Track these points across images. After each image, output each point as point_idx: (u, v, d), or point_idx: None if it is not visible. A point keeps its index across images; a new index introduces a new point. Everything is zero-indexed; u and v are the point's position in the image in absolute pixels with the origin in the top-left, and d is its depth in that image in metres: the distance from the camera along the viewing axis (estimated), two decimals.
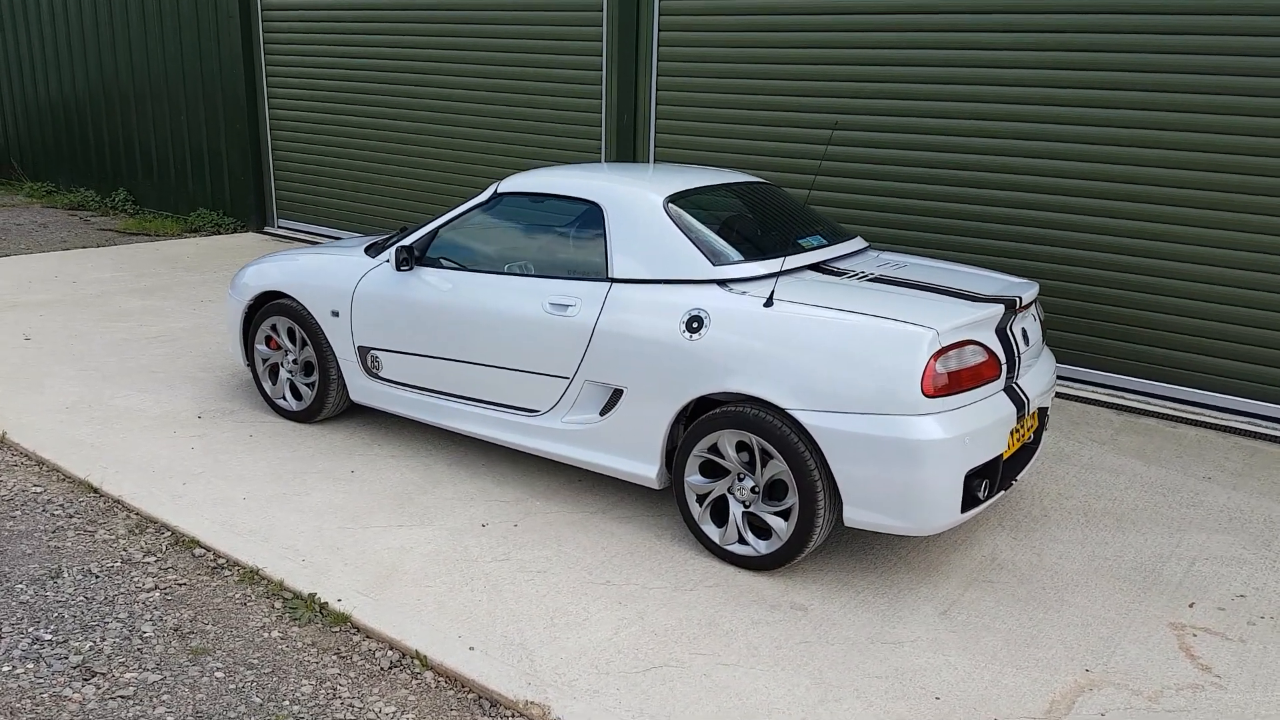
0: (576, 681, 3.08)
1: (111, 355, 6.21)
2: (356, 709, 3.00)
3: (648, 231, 4.01)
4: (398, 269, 4.51)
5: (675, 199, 4.15)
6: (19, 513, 4.18)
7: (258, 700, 3.02)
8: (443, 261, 4.52)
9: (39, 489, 4.41)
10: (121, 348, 6.37)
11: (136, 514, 4.20)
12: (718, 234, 4.05)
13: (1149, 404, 5.75)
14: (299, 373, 5.10)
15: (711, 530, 3.83)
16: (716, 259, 3.89)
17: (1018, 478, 3.87)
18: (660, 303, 3.86)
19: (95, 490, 4.39)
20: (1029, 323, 3.98)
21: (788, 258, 4.03)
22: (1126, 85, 5.58)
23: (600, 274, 4.08)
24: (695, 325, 3.74)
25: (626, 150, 7.57)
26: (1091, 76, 5.68)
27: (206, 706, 2.98)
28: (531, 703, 2.99)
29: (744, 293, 3.76)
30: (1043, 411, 4.16)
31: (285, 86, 10.13)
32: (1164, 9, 5.40)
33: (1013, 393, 3.73)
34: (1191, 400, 5.71)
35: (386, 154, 9.42)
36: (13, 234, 10.29)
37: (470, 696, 3.07)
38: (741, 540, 3.76)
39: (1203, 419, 5.53)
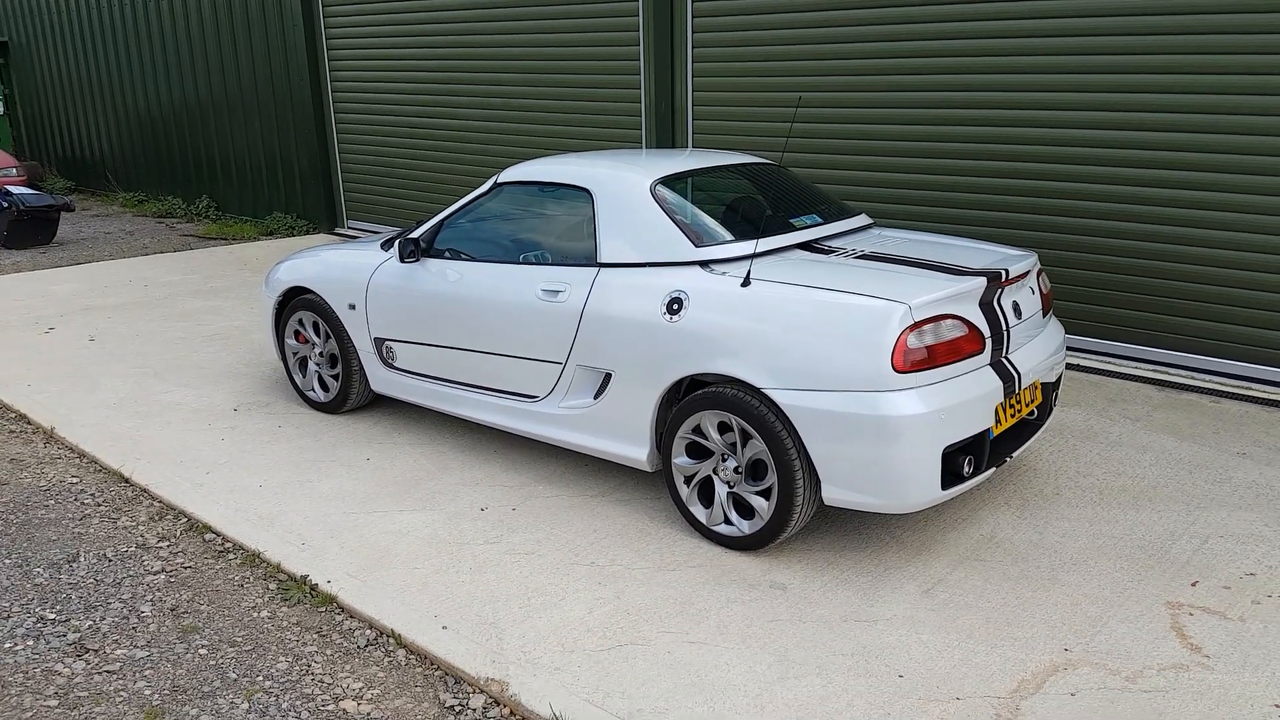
0: (540, 659, 3.13)
1: (167, 353, 6.51)
2: (325, 684, 3.10)
3: (634, 215, 4.02)
4: (402, 260, 4.62)
5: (665, 182, 4.15)
6: (52, 501, 4.43)
7: (233, 675, 3.15)
8: (447, 252, 4.61)
9: (75, 479, 4.67)
10: (177, 346, 6.67)
11: (159, 502, 4.41)
12: (706, 216, 4.03)
13: (1193, 379, 5.50)
14: (325, 365, 5.27)
15: (699, 511, 3.83)
16: (699, 240, 3.88)
17: (1013, 455, 3.75)
18: (643, 285, 3.87)
19: (125, 480, 4.62)
20: (1023, 295, 3.85)
21: (776, 236, 3.99)
22: (1156, 49, 5.34)
23: (590, 259, 4.11)
24: (675, 307, 3.74)
25: (665, 137, 7.58)
26: (1122, 41, 5.45)
27: (184, 681, 3.12)
28: (492, 679, 3.05)
29: (724, 273, 3.74)
30: (1048, 386, 4.03)
31: (349, 92, 10.43)
32: None
33: (1001, 367, 3.62)
34: (1239, 374, 5.44)
35: (445, 151, 9.63)
36: (100, 241, 10.85)
37: (437, 674, 3.15)
38: (727, 520, 3.75)
39: (1250, 393, 5.26)
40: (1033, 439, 3.94)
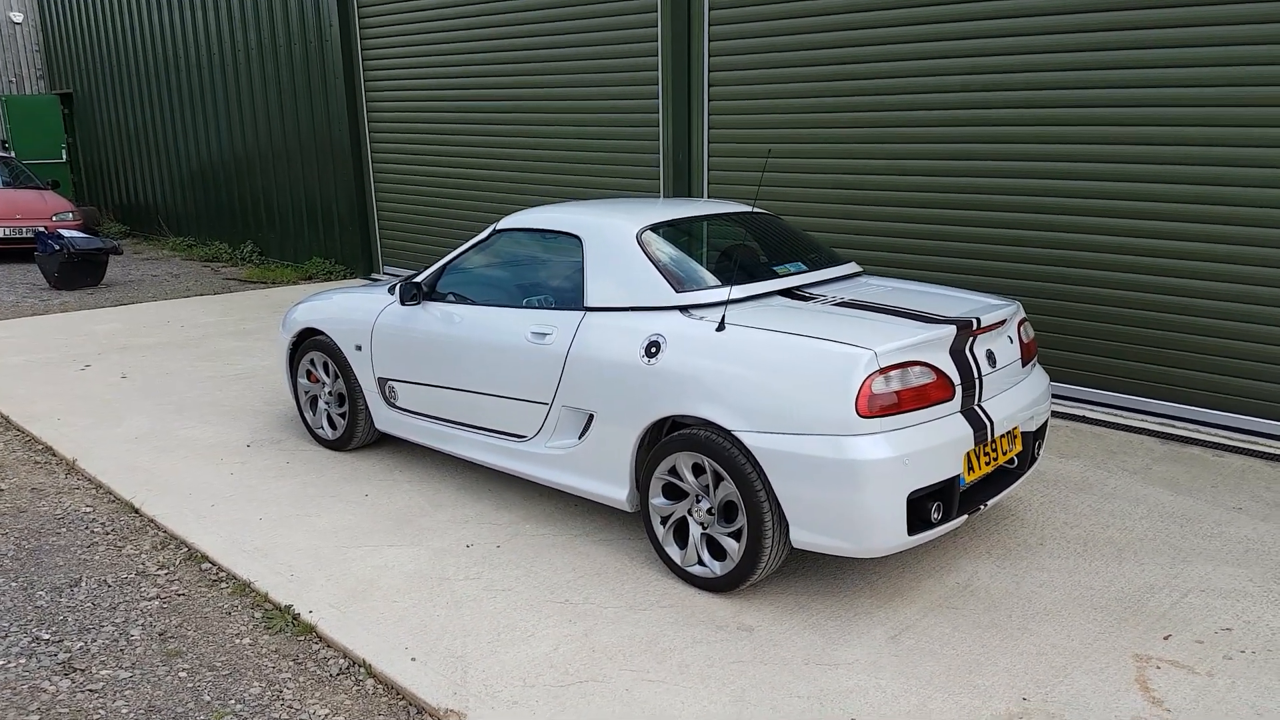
0: (500, 693, 3.19)
1: (192, 391, 6.74)
2: (294, 710, 3.20)
3: (619, 260, 4.14)
4: (403, 304, 4.77)
5: (653, 229, 4.26)
6: (64, 529, 4.61)
7: (207, 698, 3.26)
8: (450, 296, 4.76)
9: (89, 509, 4.85)
10: (203, 384, 6.90)
11: (164, 532, 4.56)
12: (690, 262, 4.14)
13: (1199, 432, 5.44)
14: (334, 404, 5.43)
15: (674, 551, 3.89)
16: (681, 285, 3.98)
17: (988, 503, 3.76)
18: (624, 328, 3.97)
19: (136, 511, 4.79)
20: (999, 344, 3.88)
21: (756, 283, 4.08)
22: (1154, 100, 5.38)
23: (577, 303, 4.22)
24: (653, 350, 3.84)
25: (683, 185, 7.74)
26: (1120, 93, 5.50)
27: (160, 702, 3.24)
28: (451, 710, 3.12)
29: (702, 318, 3.83)
30: (1029, 435, 4.04)
31: (385, 144, 10.77)
32: (1167, 22, 5.19)
33: (973, 415, 3.65)
34: (1245, 428, 5.38)
35: (474, 200, 9.88)
36: (147, 284, 11.24)
37: (401, 703, 3.22)
38: (700, 561, 3.80)
39: (1255, 448, 5.20)
40: (1012, 487, 3.95)
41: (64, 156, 16.20)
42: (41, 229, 12.53)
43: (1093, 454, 5.24)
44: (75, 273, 10.69)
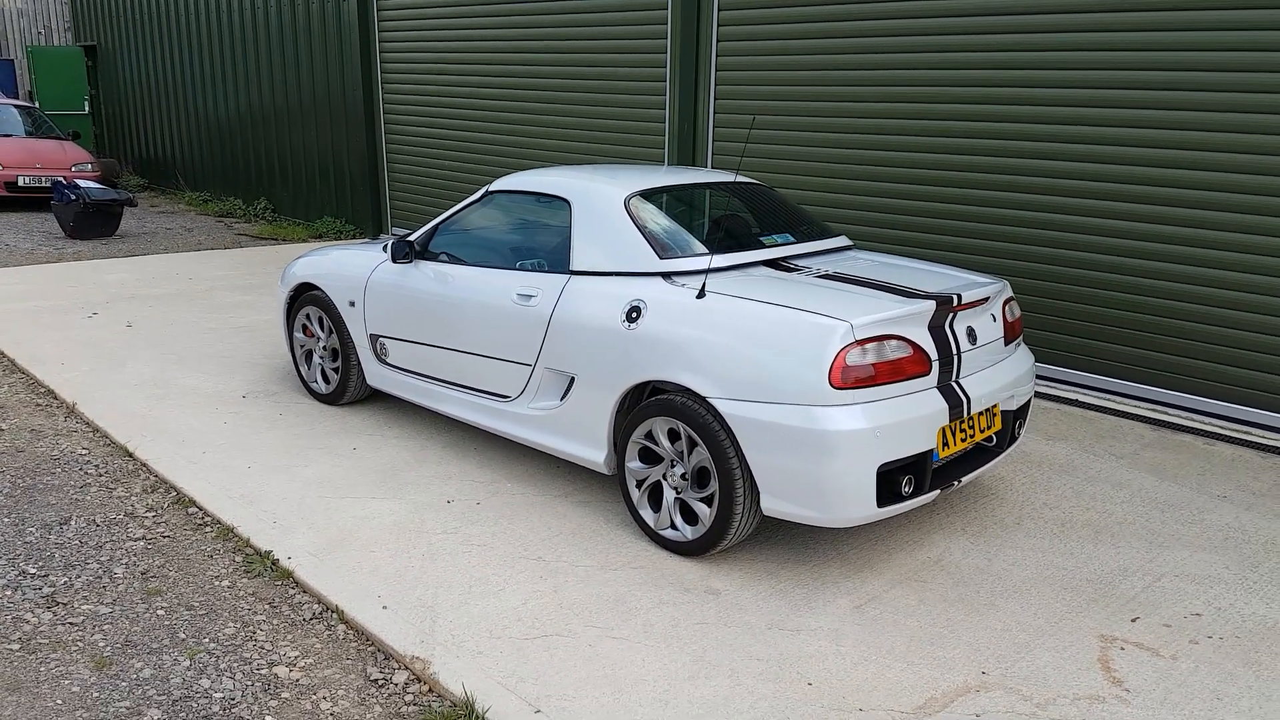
0: (466, 643, 3.25)
1: (194, 342, 6.81)
2: (265, 651, 3.26)
3: (606, 225, 4.15)
4: (395, 261, 4.81)
5: (641, 195, 4.27)
6: (59, 470, 4.69)
7: (182, 636, 3.33)
8: (442, 255, 4.79)
9: (84, 451, 4.93)
10: (206, 336, 6.97)
11: (155, 476, 4.64)
12: (676, 229, 4.14)
13: (1191, 420, 5.42)
14: (328, 358, 5.49)
15: (648, 515, 3.92)
16: (664, 252, 3.99)
17: (962, 479, 3.78)
18: (607, 293, 3.99)
19: (129, 455, 4.87)
20: (981, 321, 3.88)
21: (741, 252, 4.09)
22: (1151, 81, 5.33)
23: (563, 266, 4.25)
24: (634, 315, 3.86)
25: (686, 155, 7.73)
26: (1118, 72, 5.45)
27: (137, 637, 3.31)
28: (416, 658, 3.17)
29: (684, 285, 3.85)
30: (1010, 414, 4.04)
31: (398, 106, 10.79)
32: (1159, 5, 5.13)
33: (949, 391, 3.66)
34: (1238, 417, 5.36)
35: (484, 165, 9.90)
36: (160, 236, 11.33)
37: (369, 649, 3.29)
38: (673, 525, 3.83)
39: (1247, 437, 5.18)
40: (989, 465, 3.96)
41: (86, 108, 16.29)
42: (60, 179, 12.64)
43: (1081, 437, 5.24)
44: (90, 223, 10.78)
